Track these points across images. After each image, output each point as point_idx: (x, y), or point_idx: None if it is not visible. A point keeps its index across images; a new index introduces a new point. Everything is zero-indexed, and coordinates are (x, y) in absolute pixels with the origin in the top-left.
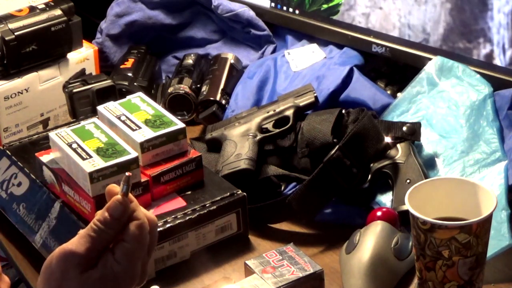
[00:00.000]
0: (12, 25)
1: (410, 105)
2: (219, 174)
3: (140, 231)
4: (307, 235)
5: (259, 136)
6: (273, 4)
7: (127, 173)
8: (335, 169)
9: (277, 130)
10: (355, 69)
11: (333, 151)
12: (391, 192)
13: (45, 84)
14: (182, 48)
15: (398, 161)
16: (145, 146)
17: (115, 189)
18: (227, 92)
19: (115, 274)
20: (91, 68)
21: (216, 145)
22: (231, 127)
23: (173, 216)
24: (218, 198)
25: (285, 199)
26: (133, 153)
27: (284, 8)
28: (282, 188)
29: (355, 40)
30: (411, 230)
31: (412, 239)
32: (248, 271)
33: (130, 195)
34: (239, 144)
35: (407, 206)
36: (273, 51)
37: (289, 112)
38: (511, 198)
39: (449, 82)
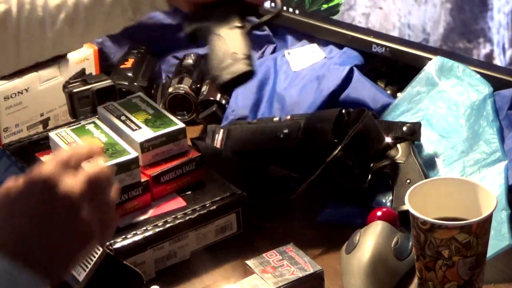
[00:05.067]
0: None
1: (410, 105)
2: (218, 81)
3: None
4: (307, 235)
5: (248, 26)
6: (273, 4)
7: None
8: (337, 169)
9: (266, 17)
10: (355, 69)
11: (336, 151)
12: (391, 192)
13: (45, 84)
14: (182, 48)
15: (398, 161)
16: (145, 146)
17: None
18: (227, 92)
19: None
20: (91, 68)
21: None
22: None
23: (173, 216)
24: (218, 198)
25: (288, 198)
26: (133, 153)
27: (284, 8)
28: (284, 188)
29: (355, 40)
30: (411, 230)
31: (412, 239)
32: (248, 271)
33: None
34: (228, 39)
35: (407, 206)
36: (273, 51)
37: None
38: (511, 198)
39: (449, 82)
